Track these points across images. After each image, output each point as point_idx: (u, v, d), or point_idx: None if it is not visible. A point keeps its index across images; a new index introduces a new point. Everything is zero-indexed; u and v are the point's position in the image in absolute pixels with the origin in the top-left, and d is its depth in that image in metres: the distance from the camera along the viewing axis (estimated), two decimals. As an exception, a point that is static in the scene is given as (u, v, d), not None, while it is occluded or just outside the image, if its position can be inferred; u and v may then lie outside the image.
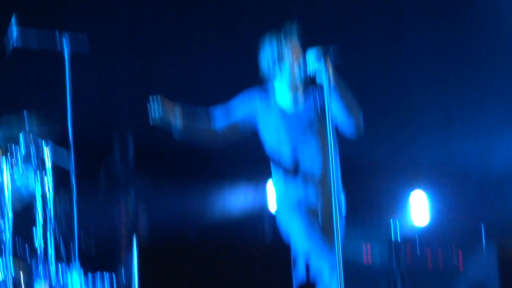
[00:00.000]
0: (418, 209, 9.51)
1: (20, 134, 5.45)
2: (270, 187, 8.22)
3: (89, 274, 5.55)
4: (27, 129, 5.49)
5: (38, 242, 5.39)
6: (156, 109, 4.62)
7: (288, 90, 4.88)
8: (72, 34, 5.43)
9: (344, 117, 4.70)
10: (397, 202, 9.43)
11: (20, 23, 5.49)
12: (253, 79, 4.97)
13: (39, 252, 5.40)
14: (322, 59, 4.50)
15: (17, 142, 5.44)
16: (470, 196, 9.38)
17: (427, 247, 8.31)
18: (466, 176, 9.50)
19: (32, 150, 5.46)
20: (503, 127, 9.46)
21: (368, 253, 7.94)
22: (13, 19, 5.51)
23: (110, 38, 7.98)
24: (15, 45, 5.48)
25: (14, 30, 5.45)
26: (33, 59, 6.30)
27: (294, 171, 4.82)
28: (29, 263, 5.43)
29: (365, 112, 4.75)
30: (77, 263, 5.36)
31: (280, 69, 4.83)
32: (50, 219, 5.43)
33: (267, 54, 4.85)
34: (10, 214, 5.36)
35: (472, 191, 9.43)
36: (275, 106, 4.91)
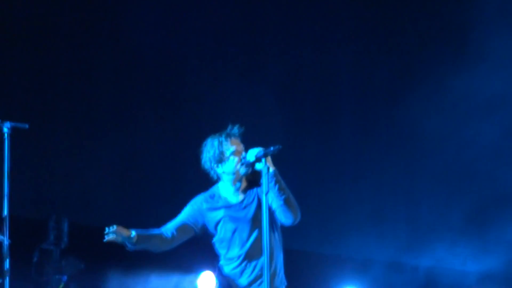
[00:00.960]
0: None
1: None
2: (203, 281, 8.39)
3: None
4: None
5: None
6: (111, 236, 4.81)
7: (231, 184, 5.13)
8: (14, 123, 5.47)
9: (282, 211, 4.99)
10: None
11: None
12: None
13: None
14: (263, 159, 4.82)
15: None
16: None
17: None
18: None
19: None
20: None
21: None
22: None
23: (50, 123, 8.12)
24: None
25: None
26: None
27: (240, 258, 5.06)
28: None
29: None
30: None
31: (223, 166, 5.08)
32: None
33: (209, 154, 5.10)
34: None
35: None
36: (221, 200, 5.17)
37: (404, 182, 10.01)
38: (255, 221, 5.05)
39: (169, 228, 5.09)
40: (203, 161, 5.16)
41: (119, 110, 8.87)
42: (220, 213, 5.12)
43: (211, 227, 5.15)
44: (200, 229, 5.15)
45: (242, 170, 5.05)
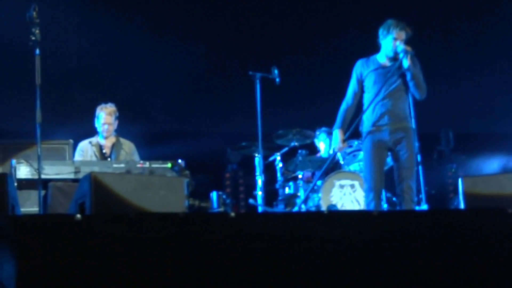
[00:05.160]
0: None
1: None
2: None
3: None
4: None
5: None
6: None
7: (385, 53, 7.18)
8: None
9: (414, 87, 7.08)
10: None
11: None
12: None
13: None
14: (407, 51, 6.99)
15: None
16: None
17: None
18: None
19: None
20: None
21: None
22: None
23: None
24: None
25: None
26: None
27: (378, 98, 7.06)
28: None
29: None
30: None
31: (387, 37, 7.11)
32: None
33: (386, 27, 7.11)
34: None
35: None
36: (375, 61, 7.23)
37: None
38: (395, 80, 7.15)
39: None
40: (380, 30, 7.18)
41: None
42: (372, 68, 7.26)
43: (365, 77, 7.31)
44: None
45: (396, 46, 7.09)
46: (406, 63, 6.96)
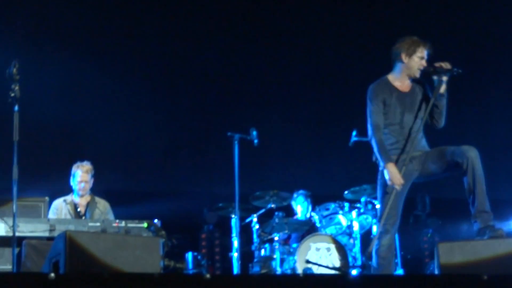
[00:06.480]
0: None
1: None
2: None
3: None
4: None
5: None
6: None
7: (406, 74, 6.47)
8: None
9: (437, 115, 6.46)
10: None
11: None
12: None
13: None
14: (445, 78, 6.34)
15: None
16: None
17: None
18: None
19: None
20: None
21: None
22: None
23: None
24: None
25: None
26: None
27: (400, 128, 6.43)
28: None
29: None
30: None
31: (410, 58, 6.42)
32: None
33: (408, 46, 6.43)
34: None
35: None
36: (391, 87, 6.49)
37: None
38: (415, 106, 6.56)
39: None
40: (395, 47, 6.49)
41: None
42: (390, 97, 6.51)
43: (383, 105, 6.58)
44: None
45: (418, 68, 6.44)
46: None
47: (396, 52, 6.48)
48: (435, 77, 6.35)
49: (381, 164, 6.33)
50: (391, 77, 6.54)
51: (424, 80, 6.54)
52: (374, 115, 6.41)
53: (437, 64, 6.32)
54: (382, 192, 6.43)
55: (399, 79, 6.50)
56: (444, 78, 6.31)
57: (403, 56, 6.43)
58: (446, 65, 6.29)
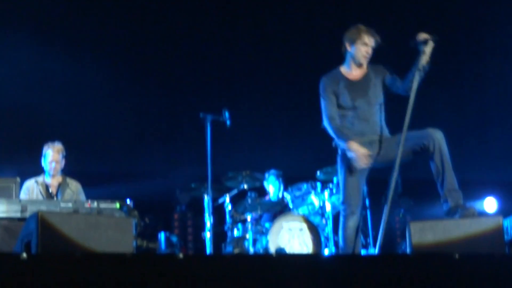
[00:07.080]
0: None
1: None
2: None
3: None
4: None
5: None
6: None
7: (353, 62, 6.55)
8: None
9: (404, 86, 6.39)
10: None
11: None
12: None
13: None
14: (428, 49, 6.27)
15: None
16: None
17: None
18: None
19: None
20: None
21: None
22: None
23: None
24: None
25: None
26: None
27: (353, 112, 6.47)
28: None
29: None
30: None
31: (354, 47, 6.50)
32: None
33: (351, 35, 6.50)
34: None
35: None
36: (340, 76, 6.57)
37: None
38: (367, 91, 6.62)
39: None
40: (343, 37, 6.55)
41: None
42: (341, 86, 6.60)
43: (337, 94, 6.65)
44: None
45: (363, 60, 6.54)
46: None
47: (343, 41, 6.59)
48: (421, 48, 6.28)
49: (342, 144, 6.38)
50: (342, 67, 6.64)
51: (386, 67, 6.61)
52: (328, 108, 6.51)
53: (417, 38, 6.29)
54: (344, 175, 6.44)
55: (348, 68, 6.60)
56: (427, 49, 6.27)
57: (347, 45, 6.56)
58: (423, 35, 6.29)
